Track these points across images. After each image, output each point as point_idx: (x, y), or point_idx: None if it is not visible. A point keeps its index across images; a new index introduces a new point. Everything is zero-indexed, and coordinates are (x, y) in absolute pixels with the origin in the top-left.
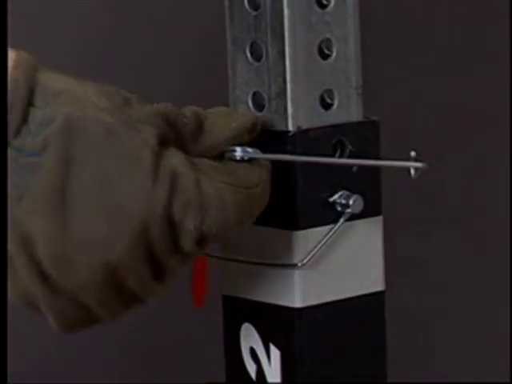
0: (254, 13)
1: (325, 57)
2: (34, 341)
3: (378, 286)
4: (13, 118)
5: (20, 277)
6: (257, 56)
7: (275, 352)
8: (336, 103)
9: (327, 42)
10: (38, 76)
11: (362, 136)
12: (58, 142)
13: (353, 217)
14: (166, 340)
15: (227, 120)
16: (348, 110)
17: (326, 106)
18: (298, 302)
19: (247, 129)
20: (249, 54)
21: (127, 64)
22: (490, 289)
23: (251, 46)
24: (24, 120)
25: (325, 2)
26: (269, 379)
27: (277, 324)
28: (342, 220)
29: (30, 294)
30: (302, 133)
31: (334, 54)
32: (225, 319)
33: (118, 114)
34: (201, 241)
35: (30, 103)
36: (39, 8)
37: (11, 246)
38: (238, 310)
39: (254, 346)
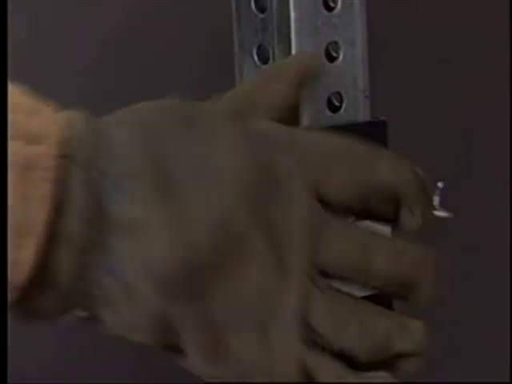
0: (261, 15)
1: (332, 59)
2: (34, 341)
3: None
4: (87, 144)
5: (144, 300)
6: (264, 59)
7: None
8: (343, 106)
9: (334, 45)
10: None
11: (370, 136)
12: (140, 146)
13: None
14: None
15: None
16: (355, 112)
17: (334, 109)
18: None
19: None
20: (256, 57)
21: (136, 66)
22: (491, 289)
23: (258, 49)
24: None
25: (332, 5)
26: None
27: None
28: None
29: (160, 322)
30: None
31: (340, 57)
32: None
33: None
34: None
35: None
36: (39, 8)
37: (128, 274)
38: None
39: None
